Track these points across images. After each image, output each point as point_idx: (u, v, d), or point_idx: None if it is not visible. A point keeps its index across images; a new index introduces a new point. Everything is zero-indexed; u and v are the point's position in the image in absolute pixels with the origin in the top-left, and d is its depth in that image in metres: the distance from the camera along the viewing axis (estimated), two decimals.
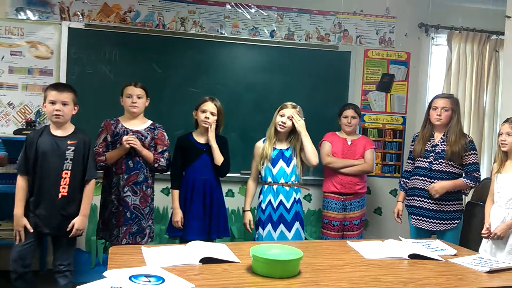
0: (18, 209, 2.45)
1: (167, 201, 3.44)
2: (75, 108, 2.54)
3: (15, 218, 2.46)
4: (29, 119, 3.44)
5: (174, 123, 3.36)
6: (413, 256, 1.98)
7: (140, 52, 3.56)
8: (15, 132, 3.29)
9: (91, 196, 2.59)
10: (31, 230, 2.44)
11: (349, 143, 3.34)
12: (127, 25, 3.56)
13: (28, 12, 3.43)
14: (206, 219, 2.78)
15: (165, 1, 3.60)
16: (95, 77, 3.49)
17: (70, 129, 2.54)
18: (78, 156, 2.50)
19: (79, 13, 3.49)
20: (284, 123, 2.74)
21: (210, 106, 2.77)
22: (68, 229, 2.47)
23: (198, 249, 1.89)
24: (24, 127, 3.37)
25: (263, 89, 3.73)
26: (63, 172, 2.45)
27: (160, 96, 3.46)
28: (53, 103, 2.45)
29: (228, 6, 3.72)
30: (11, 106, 3.44)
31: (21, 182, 2.47)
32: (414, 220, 2.95)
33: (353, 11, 3.89)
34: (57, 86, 2.53)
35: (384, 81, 3.96)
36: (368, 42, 3.94)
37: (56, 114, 2.45)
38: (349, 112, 3.32)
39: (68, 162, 2.47)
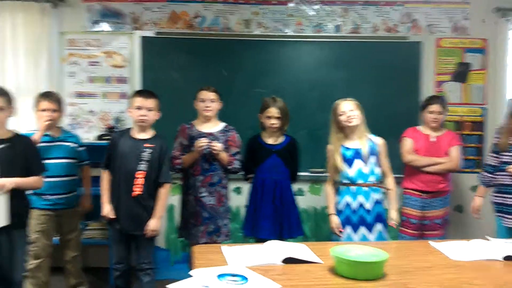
0: (104, 197, 2.65)
1: (239, 200, 3.51)
2: (158, 113, 2.67)
3: (103, 205, 2.65)
4: (109, 125, 3.66)
5: (242, 124, 3.40)
6: (509, 258, 1.86)
7: (207, 56, 3.65)
8: (98, 138, 3.52)
9: (165, 199, 2.69)
10: (113, 216, 2.60)
11: (433, 139, 3.15)
12: (194, 30, 3.67)
13: (103, 24, 3.64)
14: (278, 219, 2.81)
15: (229, 4, 3.67)
16: (167, 82, 3.63)
17: (150, 133, 2.67)
18: (154, 159, 2.61)
19: (149, 22, 3.65)
20: (350, 116, 2.66)
21: (273, 111, 2.80)
22: (144, 232, 2.60)
23: (279, 249, 1.90)
24: (105, 132, 3.58)
25: (329, 85, 3.67)
26: (137, 173, 2.58)
27: (228, 98, 3.49)
28: (139, 108, 2.60)
29: (291, 4, 3.71)
30: (92, 114, 3.68)
31: (104, 175, 2.68)
32: (507, 220, 2.75)
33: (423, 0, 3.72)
34: (143, 93, 2.69)
35: (460, 71, 3.74)
36: (440, 31, 3.75)
37: (141, 119, 2.60)
38: (436, 107, 3.11)
39: (142, 164, 2.59)
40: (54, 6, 3.52)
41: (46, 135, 2.79)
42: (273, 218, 2.80)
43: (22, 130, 2.68)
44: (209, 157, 2.78)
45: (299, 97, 3.62)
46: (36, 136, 2.67)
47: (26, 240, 2.46)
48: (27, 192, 2.46)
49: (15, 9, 3.47)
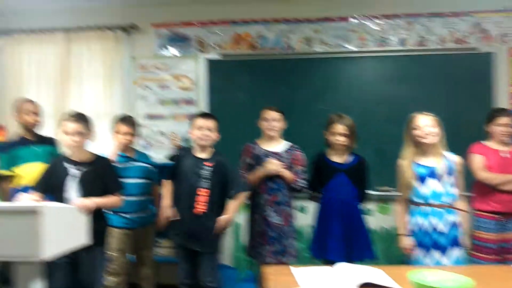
0: (166, 200, 2.78)
1: (304, 219, 3.49)
2: (217, 134, 2.76)
3: (163, 209, 2.78)
4: (178, 145, 3.80)
5: (305, 142, 3.39)
6: None
7: (270, 75, 3.71)
8: (168, 158, 3.66)
9: (237, 205, 2.77)
10: (176, 217, 2.70)
11: (504, 154, 2.95)
12: (257, 51, 3.75)
13: (171, 48, 3.83)
14: (347, 240, 2.74)
15: (290, 24, 3.72)
16: (232, 103, 3.73)
17: (210, 152, 2.76)
18: (215, 176, 2.69)
19: (214, 45, 3.79)
20: (427, 133, 2.55)
21: (339, 128, 2.76)
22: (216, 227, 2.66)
23: (352, 272, 1.86)
24: (174, 153, 3.72)
25: (395, 100, 3.59)
26: (198, 190, 2.66)
27: (291, 116, 3.52)
28: (200, 128, 2.70)
29: (353, 20, 3.69)
30: (162, 135, 3.86)
31: (166, 184, 2.82)
32: None
33: (494, 9, 3.54)
34: (203, 114, 2.81)
35: None
36: None
37: (202, 139, 2.70)
38: (506, 119, 2.91)
39: (204, 181, 2.67)
40: (127, 33, 3.77)
41: (122, 156, 2.95)
42: (342, 239, 2.73)
43: (99, 151, 2.86)
44: (275, 175, 2.80)
45: (364, 113, 3.55)
46: (111, 157, 2.84)
47: (105, 258, 2.60)
48: (106, 211, 2.61)
49: (92, 38, 3.77)
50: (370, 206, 3.59)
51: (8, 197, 2.92)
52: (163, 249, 3.57)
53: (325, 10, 3.69)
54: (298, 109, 3.65)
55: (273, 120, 2.87)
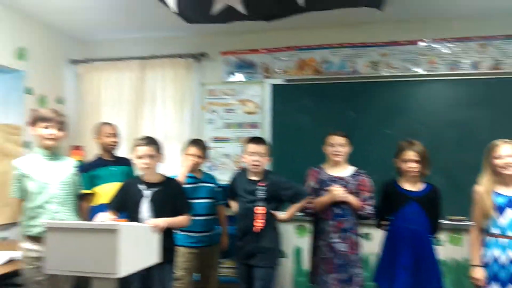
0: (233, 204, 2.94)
1: (367, 246, 3.39)
2: (268, 159, 2.83)
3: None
4: (242, 167, 3.88)
5: (371, 167, 3.31)
6: None
7: (335, 99, 3.71)
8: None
9: (298, 208, 2.80)
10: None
11: None
12: (321, 75, 3.77)
13: (238, 74, 3.96)
14: (416, 271, 2.62)
15: (356, 48, 3.71)
16: (296, 126, 3.76)
17: (262, 174, 2.82)
18: (269, 195, 2.74)
19: (279, 70, 3.86)
20: (509, 163, 2.41)
21: (411, 155, 2.68)
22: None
23: None
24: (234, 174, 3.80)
25: (467, 126, 3.43)
26: (255, 208, 2.71)
27: (356, 140, 3.48)
28: (252, 154, 2.77)
29: (422, 43, 3.60)
30: (227, 157, 3.96)
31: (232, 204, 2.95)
32: None
33: None
34: (255, 140, 2.88)
35: None
36: None
37: (254, 165, 2.77)
38: None
39: (260, 200, 2.73)
40: (197, 61, 3.96)
41: (191, 177, 3.06)
42: (411, 269, 2.62)
43: (169, 172, 3.00)
44: (341, 202, 2.76)
45: (433, 138, 3.41)
46: (180, 177, 2.95)
47: (173, 276, 2.69)
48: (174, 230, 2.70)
49: (164, 65, 3.99)
50: (440, 235, 3.40)
51: (87, 215, 3.12)
52: (226, 269, 3.62)
53: (393, 34, 3.64)
54: (363, 133, 3.59)
55: (338, 145, 2.85)
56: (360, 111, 3.65)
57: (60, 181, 2.54)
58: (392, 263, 2.68)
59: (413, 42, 3.61)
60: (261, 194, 2.74)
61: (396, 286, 2.62)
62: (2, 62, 3.34)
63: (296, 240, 3.75)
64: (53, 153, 2.58)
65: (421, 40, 3.60)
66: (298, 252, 3.74)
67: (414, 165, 2.66)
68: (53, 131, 2.51)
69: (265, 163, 2.82)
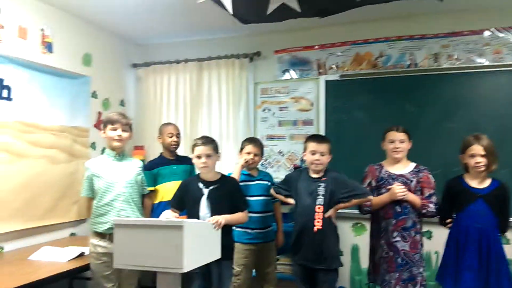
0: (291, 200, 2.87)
1: (429, 245, 3.27)
2: (330, 156, 2.76)
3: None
4: (296, 164, 3.89)
5: (431, 162, 3.18)
6: None
7: (392, 94, 3.60)
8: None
9: (356, 203, 2.74)
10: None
11: None
12: (378, 70, 3.67)
13: (291, 72, 3.95)
14: (483, 272, 2.49)
15: (416, 40, 3.57)
16: (351, 123, 3.70)
17: (323, 172, 2.76)
18: (329, 193, 2.68)
19: (334, 66, 3.81)
20: None
21: (478, 149, 2.54)
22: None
23: None
24: (292, 172, 3.80)
25: None
26: (316, 207, 2.66)
27: (415, 135, 3.37)
28: (313, 153, 2.73)
29: (487, 33, 3.40)
30: (281, 154, 3.97)
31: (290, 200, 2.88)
32: None
33: None
34: (316, 138, 2.83)
35: None
36: None
37: (315, 163, 2.73)
38: None
39: (320, 198, 2.67)
40: (251, 60, 3.99)
41: (247, 174, 3.10)
42: (478, 270, 2.49)
43: (224, 170, 3.05)
44: (402, 200, 2.68)
45: (499, 132, 3.22)
46: (235, 175, 2.99)
47: (232, 272, 2.74)
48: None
49: (220, 65, 4.07)
50: (508, 234, 3.21)
51: (149, 212, 3.26)
52: (282, 266, 3.63)
53: (455, 24, 3.47)
54: (424, 128, 3.47)
55: (398, 141, 2.76)
56: (420, 106, 3.52)
57: (126, 180, 2.68)
58: (457, 263, 2.56)
59: (477, 32, 3.42)
60: (322, 192, 2.70)
61: (462, 286, 2.50)
62: (72, 68, 3.55)
63: (353, 239, 3.69)
64: (120, 153, 2.72)
65: (486, 30, 3.40)
66: (355, 250, 3.68)
67: (481, 160, 2.53)
68: (120, 133, 2.65)
69: (327, 162, 2.77)
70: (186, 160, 3.41)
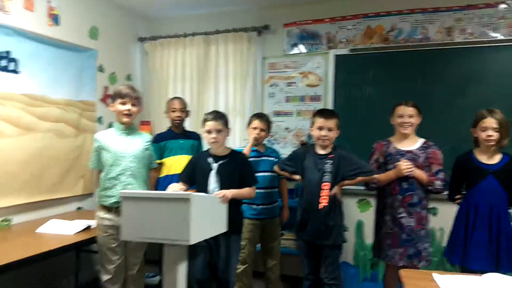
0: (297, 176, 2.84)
1: (434, 222, 3.26)
2: (337, 132, 2.71)
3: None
4: (303, 141, 3.86)
5: (442, 138, 3.15)
6: None
7: (403, 69, 3.53)
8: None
9: (360, 181, 2.72)
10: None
11: None
12: (389, 44, 3.59)
13: (300, 46, 3.88)
14: (493, 249, 2.48)
15: (429, 14, 3.47)
16: (360, 98, 3.65)
17: (330, 147, 2.73)
18: (336, 169, 2.65)
19: (344, 40, 3.73)
20: None
21: (491, 122, 2.49)
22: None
23: (505, 285, 1.68)
24: (298, 148, 3.78)
25: None
26: (323, 184, 2.63)
27: (426, 111, 3.32)
28: (320, 128, 2.68)
29: (503, 6, 3.29)
30: (287, 130, 3.94)
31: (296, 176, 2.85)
32: None
33: None
34: (324, 113, 2.75)
35: None
36: None
37: (322, 139, 2.69)
38: None
39: (327, 175, 2.64)
40: (259, 34, 3.92)
41: (254, 150, 3.09)
42: (488, 247, 2.48)
43: (231, 144, 3.04)
44: (408, 176, 2.65)
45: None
46: (245, 150, 3.00)
47: (239, 246, 2.76)
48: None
49: (227, 39, 4.00)
50: None
51: (154, 184, 3.27)
52: (287, 241, 3.66)
53: None
54: (435, 103, 3.41)
55: (407, 115, 2.71)
56: (432, 81, 3.45)
57: (134, 154, 2.65)
58: (466, 240, 2.55)
59: (492, 5, 3.31)
60: (328, 169, 2.67)
61: (471, 263, 2.50)
62: (78, 41, 3.52)
63: (358, 215, 3.69)
64: (129, 128, 2.69)
65: (502, 2, 3.29)
66: (359, 226, 3.68)
67: (493, 133, 2.48)
68: (129, 107, 2.62)
69: (334, 138, 2.72)
70: (194, 135, 3.40)
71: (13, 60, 2.92)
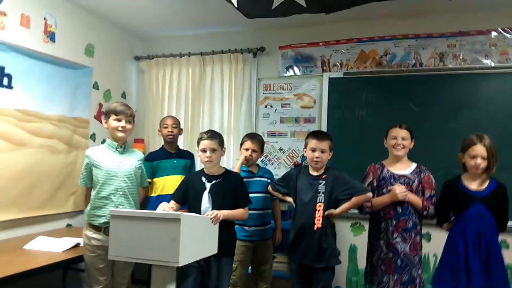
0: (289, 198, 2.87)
1: (427, 247, 3.23)
2: (330, 154, 2.74)
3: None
4: (297, 162, 3.86)
5: (434, 163, 3.14)
6: None
7: (396, 93, 3.57)
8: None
9: (354, 203, 2.69)
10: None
11: None
12: (383, 68, 3.63)
13: (295, 68, 3.91)
14: (481, 276, 2.44)
15: (422, 39, 3.53)
16: (353, 121, 3.66)
17: (323, 169, 2.74)
18: (329, 190, 2.65)
19: (338, 63, 3.77)
20: None
21: (480, 150, 2.47)
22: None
23: None
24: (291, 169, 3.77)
25: None
26: (317, 205, 2.62)
27: (418, 135, 3.33)
28: (314, 150, 2.69)
29: (494, 33, 3.36)
30: (281, 151, 3.94)
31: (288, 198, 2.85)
32: None
33: None
34: (317, 135, 2.77)
35: None
36: None
37: (315, 161, 2.69)
38: None
39: (320, 195, 2.64)
40: (254, 55, 3.96)
41: (247, 171, 3.07)
42: (476, 274, 2.44)
43: (224, 165, 3.01)
44: (403, 200, 2.64)
45: (503, 134, 3.19)
46: (235, 169, 2.97)
47: (231, 268, 2.71)
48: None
49: (223, 60, 4.03)
50: (507, 238, 3.20)
51: (144, 203, 3.23)
52: (279, 264, 3.60)
53: (462, 24, 3.42)
54: (427, 128, 3.42)
55: (401, 138, 2.72)
56: (424, 106, 3.48)
57: (127, 174, 2.60)
58: (455, 267, 2.51)
59: (484, 32, 3.38)
60: (322, 190, 2.66)
61: None
62: (74, 59, 3.53)
63: (351, 238, 3.66)
64: (122, 145, 2.65)
65: (494, 30, 3.36)
66: (353, 250, 3.64)
67: (481, 161, 2.46)
68: (123, 124, 2.59)
69: (326, 159, 2.73)
70: (186, 155, 3.38)
71: (7, 75, 2.91)
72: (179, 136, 3.50)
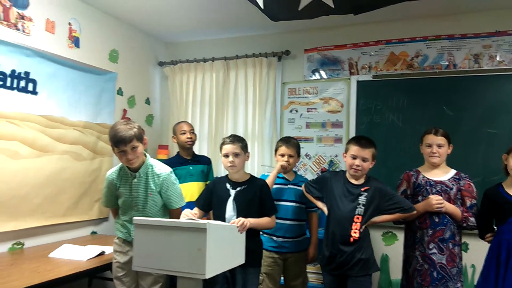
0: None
1: (465, 258, 3.05)
2: (373, 162, 2.54)
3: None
4: (324, 168, 3.73)
5: (469, 170, 2.97)
6: None
7: (428, 96, 3.41)
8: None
9: (392, 218, 2.55)
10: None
11: None
12: (414, 70, 3.48)
13: (321, 72, 3.80)
14: None
15: (456, 40, 3.37)
16: (383, 125, 3.52)
17: (363, 179, 2.57)
18: (369, 202, 2.48)
19: (366, 66, 3.64)
20: None
21: None
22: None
23: None
24: (327, 172, 3.62)
25: None
26: (355, 217, 2.46)
27: (452, 141, 3.18)
28: (354, 157, 2.52)
29: None
30: (308, 157, 3.82)
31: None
32: None
33: None
34: (360, 142, 2.56)
35: None
36: None
37: (355, 169, 2.52)
38: None
39: (360, 208, 2.47)
40: (279, 59, 3.86)
41: (281, 177, 2.90)
42: None
43: (249, 171, 2.89)
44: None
45: None
46: (269, 179, 2.77)
47: (258, 279, 2.59)
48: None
49: (247, 64, 3.95)
50: None
51: None
52: (309, 274, 3.46)
53: (499, 23, 3.25)
54: (462, 133, 3.26)
55: (436, 145, 2.57)
56: (459, 109, 3.31)
57: (143, 203, 2.46)
58: (497, 280, 2.35)
59: None
60: (363, 202, 2.49)
61: None
62: (98, 64, 3.51)
63: (382, 248, 3.50)
64: (137, 172, 2.46)
65: None
66: (384, 260, 3.49)
67: None
68: (129, 156, 2.36)
69: (367, 168, 2.53)
70: (203, 160, 3.29)
71: (32, 80, 2.90)
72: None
